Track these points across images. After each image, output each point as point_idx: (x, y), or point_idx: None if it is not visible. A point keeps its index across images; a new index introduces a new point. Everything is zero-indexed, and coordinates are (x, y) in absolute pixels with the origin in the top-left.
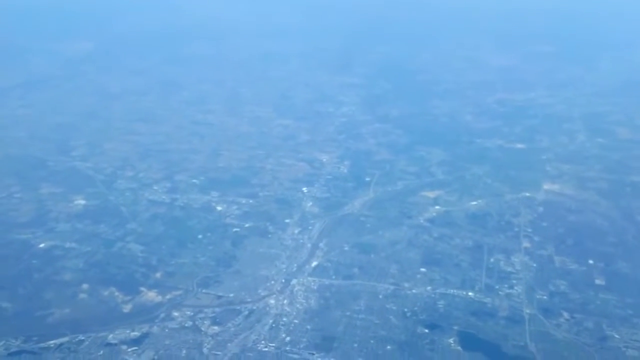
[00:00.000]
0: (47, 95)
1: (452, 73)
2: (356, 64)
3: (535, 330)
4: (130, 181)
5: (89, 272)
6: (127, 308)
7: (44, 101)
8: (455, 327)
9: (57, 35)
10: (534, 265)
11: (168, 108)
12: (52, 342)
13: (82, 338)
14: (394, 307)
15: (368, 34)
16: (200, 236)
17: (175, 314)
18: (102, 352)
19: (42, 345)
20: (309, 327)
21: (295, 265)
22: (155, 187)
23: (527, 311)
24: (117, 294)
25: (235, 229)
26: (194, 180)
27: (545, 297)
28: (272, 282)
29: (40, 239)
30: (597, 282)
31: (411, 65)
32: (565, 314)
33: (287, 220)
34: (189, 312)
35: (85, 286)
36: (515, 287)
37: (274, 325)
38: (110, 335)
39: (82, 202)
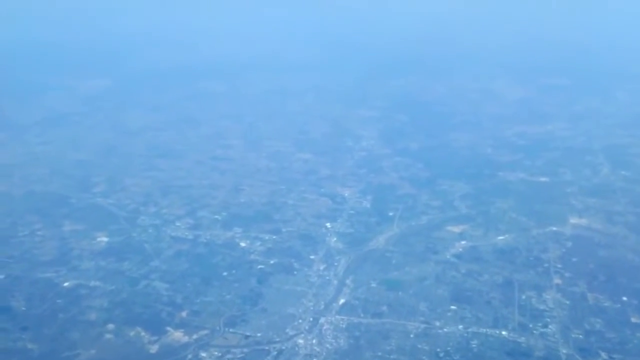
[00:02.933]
0: (66, 131)
1: (468, 105)
2: (372, 97)
3: None
4: (152, 217)
5: (114, 312)
6: (153, 349)
7: (63, 138)
8: None
9: (73, 72)
10: (567, 302)
11: (187, 143)
12: None
13: None
14: (426, 347)
15: (382, 68)
16: (225, 273)
17: (203, 354)
18: None
19: None
20: None
21: (323, 303)
22: (177, 224)
23: (564, 351)
24: (143, 334)
25: (260, 266)
26: (216, 216)
27: (581, 336)
28: (300, 320)
29: (64, 278)
30: (633, 320)
31: (427, 98)
32: (603, 354)
33: (312, 257)
34: (216, 353)
35: (110, 326)
36: (550, 326)
37: None
38: None
39: (105, 239)
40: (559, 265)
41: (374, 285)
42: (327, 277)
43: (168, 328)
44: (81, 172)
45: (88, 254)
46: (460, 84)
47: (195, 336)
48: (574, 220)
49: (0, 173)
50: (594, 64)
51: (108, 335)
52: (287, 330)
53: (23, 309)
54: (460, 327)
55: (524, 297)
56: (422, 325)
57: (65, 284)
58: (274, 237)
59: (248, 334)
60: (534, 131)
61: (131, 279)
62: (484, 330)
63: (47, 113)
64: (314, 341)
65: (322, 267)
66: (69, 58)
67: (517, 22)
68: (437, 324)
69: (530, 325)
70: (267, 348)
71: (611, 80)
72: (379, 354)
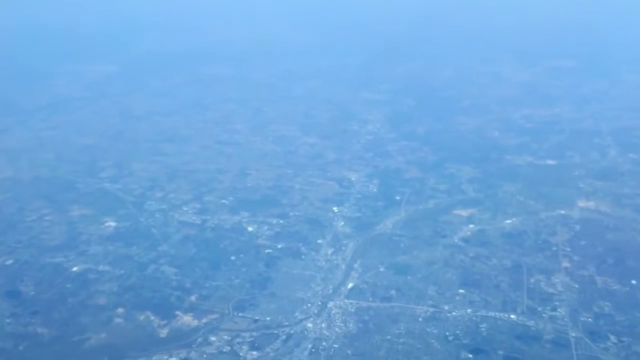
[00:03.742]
0: (72, 117)
1: (475, 89)
2: (378, 81)
3: (582, 354)
4: (160, 202)
5: (123, 296)
6: (163, 333)
7: (69, 123)
8: (500, 352)
9: (79, 58)
10: (576, 286)
11: (193, 128)
12: None
13: None
14: (435, 331)
15: (388, 52)
16: (233, 258)
17: (213, 338)
18: None
19: None
20: (349, 352)
21: (331, 287)
22: (185, 208)
23: (573, 334)
24: (152, 318)
25: (267, 250)
26: (224, 201)
27: (590, 320)
28: (309, 304)
29: (73, 262)
30: None
31: (434, 82)
32: (613, 338)
33: (319, 241)
34: (226, 337)
35: (120, 310)
36: (559, 309)
37: (313, 350)
38: None
39: (113, 224)
40: (568, 249)
41: (382, 269)
42: (335, 261)
43: (177, 312)
44: (88, 157)
45: (96, 239)
46: (467, 67)
47: (204, 320)
48: (582, 203)
49: (6, 158)
50: (602, 46)
51: (118, 320)
52: (296, 314)
53: (32, 293)
54: (469, 310)
55: (532, 280)
56: (431, 309)
57: (74, 269)
58: (281, 221)
59: (257, 318)
60: (541, 114)
61: (140, 264)
62: (493, 313)
63: (53, 98)
64: (323, 325)
65: (330, 251)
66: (74, 43)
67: (523, 4)
68: (446, 307)
69: (539, 309)
70: (276, 332)
71: (619, 63)
72: (388, 337)
